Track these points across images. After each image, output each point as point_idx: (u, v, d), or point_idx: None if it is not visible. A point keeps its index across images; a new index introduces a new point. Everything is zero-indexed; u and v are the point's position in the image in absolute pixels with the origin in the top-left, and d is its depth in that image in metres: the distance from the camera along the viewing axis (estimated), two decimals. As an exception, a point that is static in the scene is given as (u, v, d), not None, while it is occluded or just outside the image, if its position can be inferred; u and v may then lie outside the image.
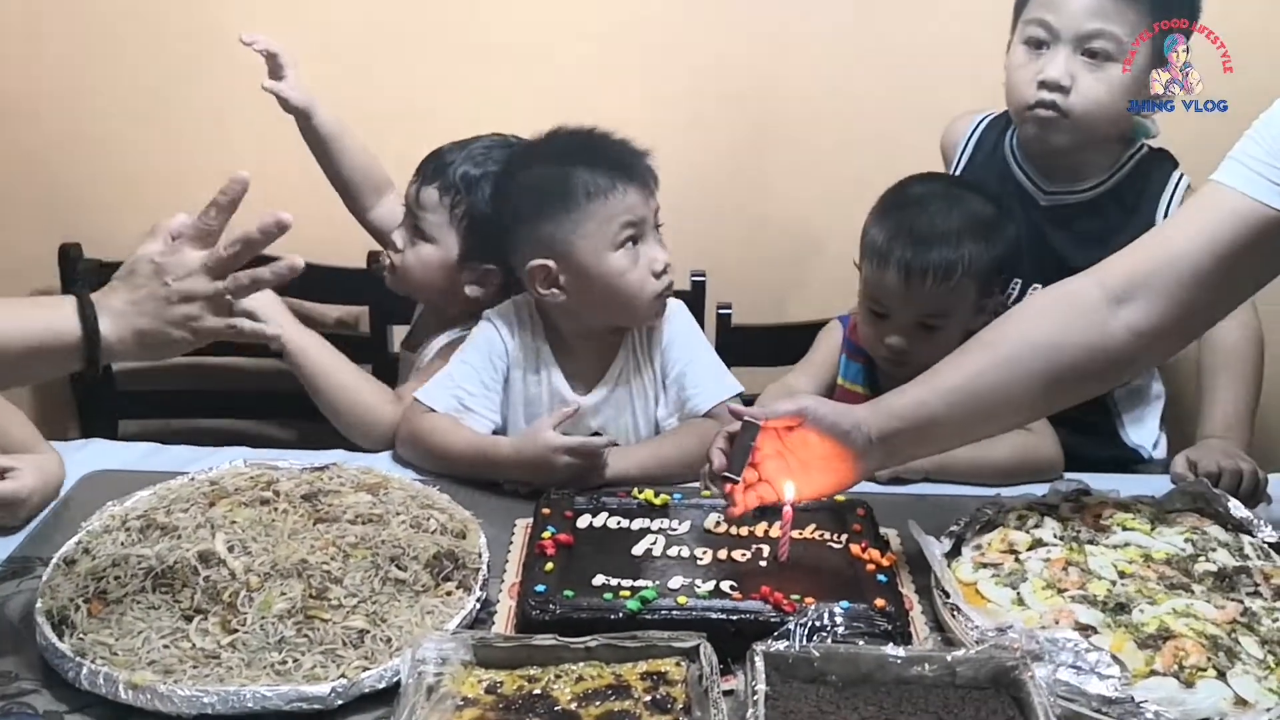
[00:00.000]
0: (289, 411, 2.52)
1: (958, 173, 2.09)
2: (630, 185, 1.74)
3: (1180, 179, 1.97)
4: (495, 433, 1.83)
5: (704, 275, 2.29)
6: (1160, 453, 2.07)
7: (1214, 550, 1.48)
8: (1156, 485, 1.70)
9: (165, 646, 1.26)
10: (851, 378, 1.99)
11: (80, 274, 2.38)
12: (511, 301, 1.88)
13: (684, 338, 1.88)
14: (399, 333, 2.44)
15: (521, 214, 1.77)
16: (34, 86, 2.40)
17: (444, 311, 2.00)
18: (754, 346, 2.24)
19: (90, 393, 2.44)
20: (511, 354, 1.84)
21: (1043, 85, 1.88)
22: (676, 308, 1.89)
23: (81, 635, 1.28)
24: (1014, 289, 1.99)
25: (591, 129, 1.79)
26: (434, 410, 1.79)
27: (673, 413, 1.85)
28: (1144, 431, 2.08)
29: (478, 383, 1.82)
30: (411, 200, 1.96)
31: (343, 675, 1.24)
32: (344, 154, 2.12)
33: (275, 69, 2.06)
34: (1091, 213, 1.98)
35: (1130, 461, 2.04)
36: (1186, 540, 1.50)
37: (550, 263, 1.75)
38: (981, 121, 2.11)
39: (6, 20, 2.36)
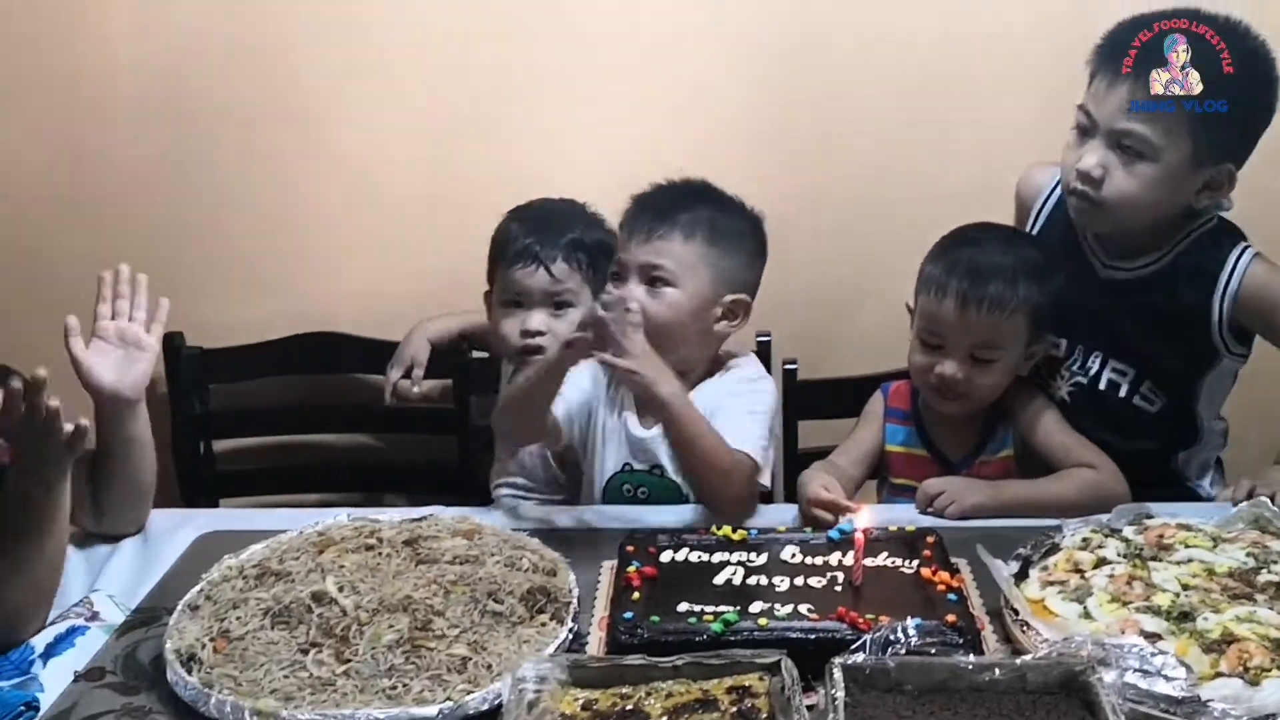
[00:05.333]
0: (384, 485, 2.65)
1: (1037, 222, 2.11)
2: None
3: (1242, 256, 1.94)
4: (569, 452, 2.06)
5: (769, 335, 2.38)
6: (1217, 491, 2.10)
7: (1275, 563, 1.53)
8: (1217, 512, 1.75)
9: (285, 676, 1.36)
10: (900, 442, 2.05)
11: (184, 361, 2.54)
12: None
13: (752, 400, 1.96)
14: (480, 404, 2.56)
15: None
16: (137, 182, 2.56)
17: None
18: (820, 400, 2.33)
19: (192, 472, 2.58)
20: (590, 384, 2.00)
21: (1079, 174, 1.90)
22: (759, 375, 2.03)
23: (208, 670, 1.39)
24: (1078, 356, 2.03)
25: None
26: None
27: None
28: (1202, 471, 2.11)
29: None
30: (542, 282, 2.12)
31: (449, 698, 1.33)
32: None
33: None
34: (1148, 289, 1.98)
35: (1188, 499, 2.07)
36: (1248, 555, 1.55)
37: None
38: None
39: (113, 118, 2.54)
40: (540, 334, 2.11)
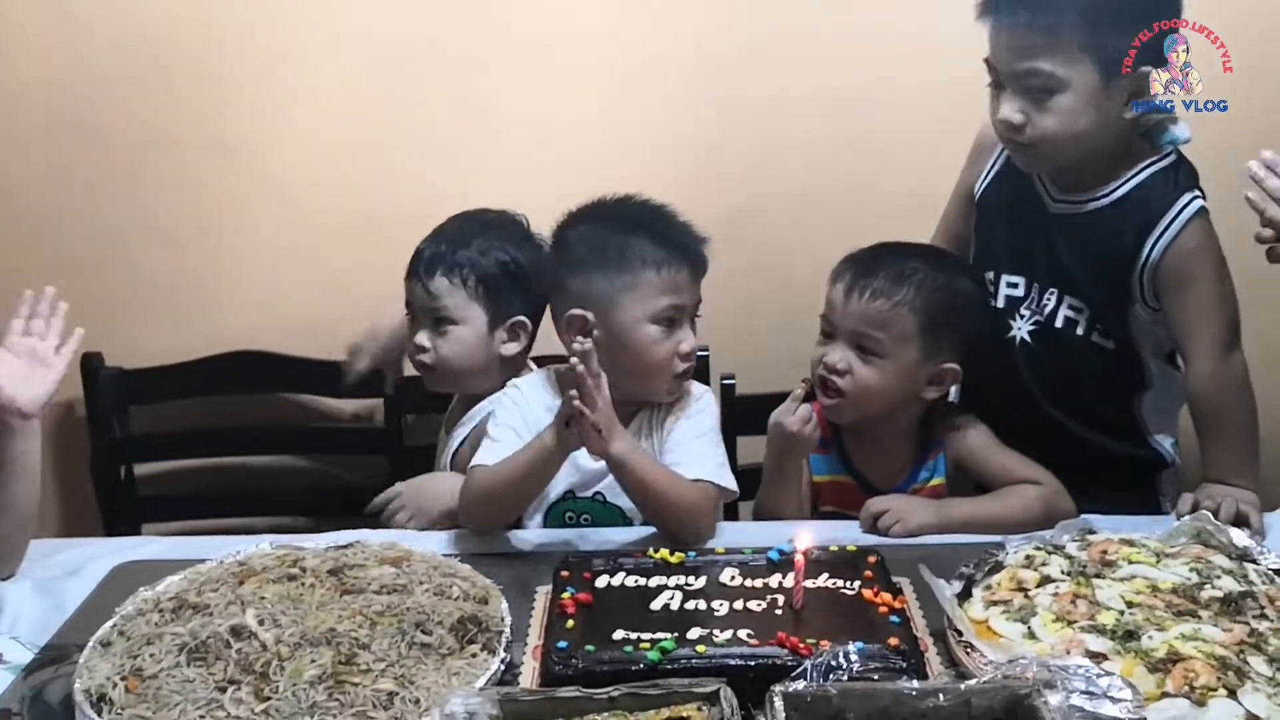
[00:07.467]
0: (312, 508, 2.57)
1: (996, 164, 2.07)
2: (684, 267, 1.85)
3: (1189, 204, 1.89)
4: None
5: (707, 350, 2.35)
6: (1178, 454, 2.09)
7: (1219, 577, 1.51)
8: (1160, 526, 1.74)
9: (201, 717, 1.29)
10: (824, 470, 2.01)
11: (103, 382, 2.46)
12: (538, 372, 1.97)
13: (698, 421, 1.91)
14: (413, 424, 2.50)
15: (577, 265, 1.86)
16: (58, 206, 2.50)
17: (476, 396, 2.08)
18: (760, 415, 2.28)
19: (113, 497, 2.50)
20: (535, 417, 1.87)
21: (1001, 125, 1.89)
22: (702, 393, 1.96)
23: (119, 711, 1.31)
24: (1034, 293, 2.01)
25: (662, 205, 1.92)
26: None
27: None
28: (1163, 425, 2.07)
29: (519, 441, 1.82)
30: (421, 298, 2.04)
31: (374, 736, 1.27)
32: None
33: None
34: (1097, 223, 1.94)
35: (1154, 464, 2.06)
36: (1191, 570, 1.53)
37: (589, 314, 1.83)
38: None
39: (32, 148, 2.48)
40: (424, 350, 2.04)
